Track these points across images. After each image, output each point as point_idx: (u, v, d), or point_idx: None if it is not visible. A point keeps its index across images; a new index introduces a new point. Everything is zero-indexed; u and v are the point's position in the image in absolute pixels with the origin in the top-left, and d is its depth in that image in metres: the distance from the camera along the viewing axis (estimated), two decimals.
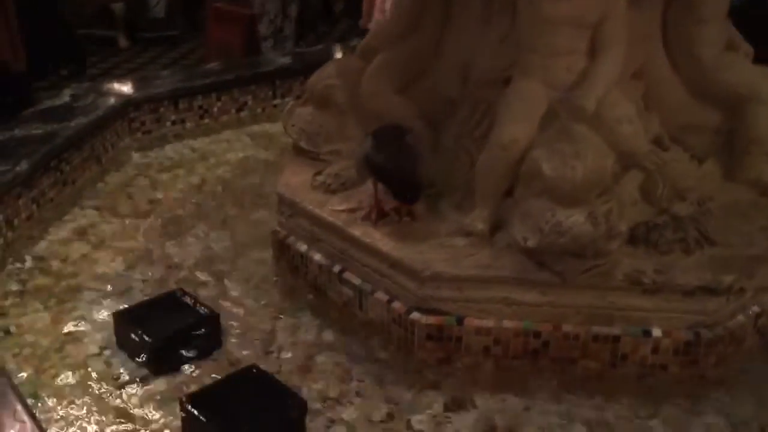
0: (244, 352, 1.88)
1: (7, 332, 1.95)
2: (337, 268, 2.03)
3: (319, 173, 2.20)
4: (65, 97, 3.05)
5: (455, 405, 1.72)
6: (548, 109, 1.89)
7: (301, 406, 1.63)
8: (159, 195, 2.70)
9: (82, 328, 1.97)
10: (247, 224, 2.48)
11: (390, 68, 2.20)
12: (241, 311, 2.03)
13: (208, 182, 2.80)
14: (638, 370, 1.79)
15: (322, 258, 2.07)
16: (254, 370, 1.73)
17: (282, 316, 2.02)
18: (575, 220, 1.72)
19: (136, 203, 2.64)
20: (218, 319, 1.94)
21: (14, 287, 2.15)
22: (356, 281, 1.97)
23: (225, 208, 2.60)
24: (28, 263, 2.26)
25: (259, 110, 3.39)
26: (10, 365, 1.81)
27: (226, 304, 2.06)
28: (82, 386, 1.76)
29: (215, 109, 3.30)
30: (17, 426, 1.33)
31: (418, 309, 1.84)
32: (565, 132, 1.82)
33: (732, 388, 1.78)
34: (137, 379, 1.78)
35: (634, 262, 1.80)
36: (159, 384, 1.77)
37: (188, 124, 3.23)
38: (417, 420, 1.68)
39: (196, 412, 1.59)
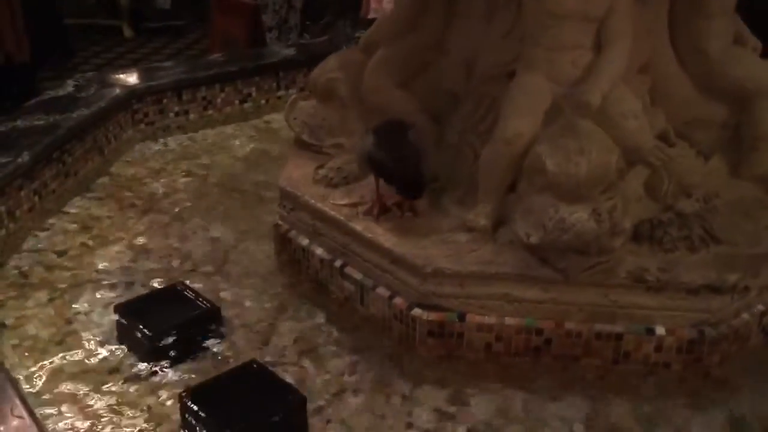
0: (245, 346, 1.87)
1: (7, 325, 1.95)
2: (338, 263, 2.02)
3: (321, 167, 2.18)
4: (68, 87, 3.03)
5: (456, 401, 1.71)
6: (552, 103, 1.87)
7: (301, 402, 1.62)
8: (161, 187, 2.69)
9: (82, 321, 1.96)
10: (249, 217, 2.47)
11: (392, 62, 2.18)
12: (242, 305, 2.02)
13: (211, 174, 2.79)
14: (641, 369, 1.78)
15: (323, 252, 2.06)
16: (254, 365, 1.72)
17: (283, 311, 2.01)
18: (579, 216, 1.71)
19: (138, 195, 2.63)
20: (219, 312, 1.93)
21: (15, 279, 2.14)
22: (357, 276, 1.96)
23: (227, 200, 2.59)
24: (29, 255, 2.25)
25: (263, 102, 3.38)
26: (10, 358, 1.81)
27: (227, 297, 2.05)
28: (82, 380, 1.76)
29: (219, 101, 3.28)
30: (15, 422, 1.32)
31: (420, 305, 1.83)
32: (569, 127, 1.80)
33: (736, 386, 1.76)
34: (137, 373, 1.78)
35: (638, 260, 1.79)
36: (159, 378, 1.76)
37: (191, 116, 3.21)
38: (418, 416, 1.66)
39: (195, 407, 1.58)
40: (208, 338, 1.87)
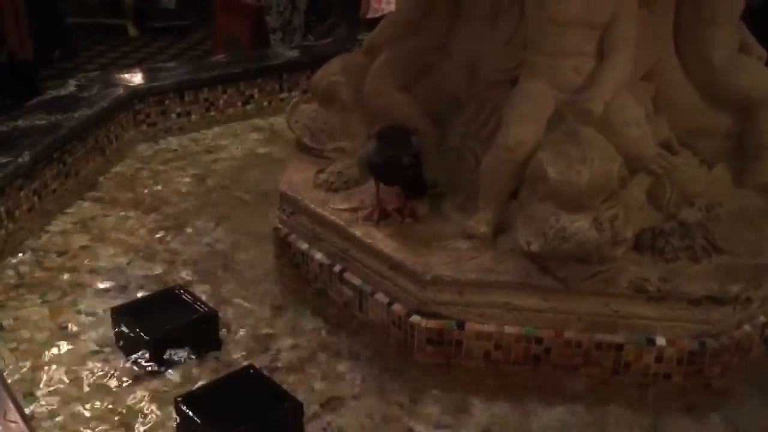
0: (242, 351, 1.85)
1: (4, 326, 1.94)
2: (337, 268, 2.01)
3: (321, 171, 2.17)
4: (70, 87, 3.03)
5: (454, 410, 1.69)
6: (555, 111, 1.85)
7: (297, 408, 1.61)
8: (162, 188, 2.69)
9: (79, 324, 1.95)
10: (249, 220, 2.46)
11: (395, 65, 2.17)
12: (240, 309, 2.01)
13: (212, 176, 2.78)
14: (641, 379, 1.77)
15: (322, 257, 2.05)
16: (251, 371, 1.71)
17: (281, 316, 1.99)
18: (580, 225, 1.69)
19: (138, 196, 2.63)
20: (216, 317, 1.92)
21: (13, 280, 2.13)
22: (356, 282, 1.95)
23: (228, 203, 2.58)
24: (28, 256, 2.25)
25: (265, 104, 3.37)
26: (6, 360, 1.80)
27: (225, 301, 2.04)
28: (77, 383, 1.75)
29: (221, 102, 3.28)
30: (8, 426, 1.31)
31: (419, 312, 1.81)
32: (571, 135, 1.79)
33: (737, 398, 1.75)
34: (133, 377, 1.77)
35: (639, 270, 1.77)
36: (155, 382, 1.75)
37: (193, 117, 3.21)
38: (415, 425, 1.65)
39: (190, 413, 1.57)
40: (205, 342, 1.85)
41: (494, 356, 1.80)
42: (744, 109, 2.05)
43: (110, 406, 1.68)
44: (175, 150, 3.01)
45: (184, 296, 1.96)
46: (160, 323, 1.84)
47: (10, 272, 2.17)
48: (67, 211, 2.51)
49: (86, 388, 1.73)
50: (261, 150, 3.01)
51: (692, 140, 2.05)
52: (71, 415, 1.66)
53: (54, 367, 1.80)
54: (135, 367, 1.79)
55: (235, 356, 1.84)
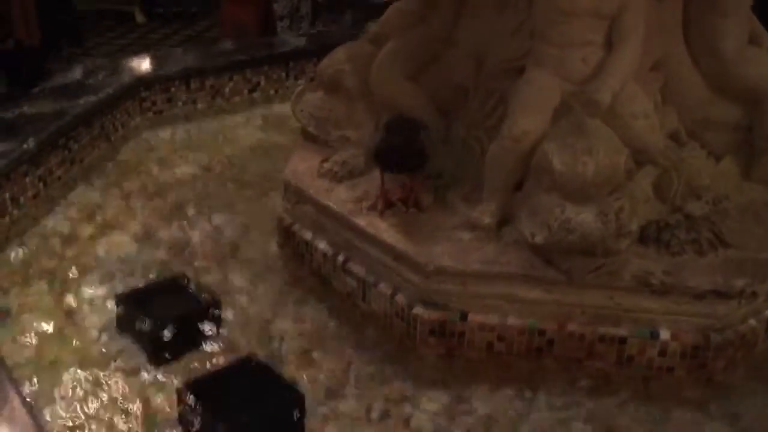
0: (244, 340, 1.86)
1: (10, 312, 1.94)
2: (341, 258, 2.00)
3: (326, 160, 2.16)
4: (76, 73, 3.03)
5: (456, 401, 1.69)
6: (561, 101, 1.84)
7: (298, 398, 1.61)
8: (167, 176, 2.69)
9: (83, 310, 1.96)
10: (254, 209, 2.45)
11: (401, 54, 2.16)
12: (243, 298, 2.01)
13: (218, 164, 2.78)
14: (644, 373, 1.76)
15: (326, 247, 2.05)
16: (253, 360, 1.71)
17: (284, 305, 1.99)
18: (584, 217, 1.68)
19: (143, 184, 2.63)
20: (220, 305, 1.92)
21: (17, 267, 2.14)
22: (360, 272, 1.95)
23: (233, 191, 2.58)
24: (33, 242, 2.25)
25: (271, 92, 3.36)
26: (10, 347, 1.81)
27: (229, 290, 2.04)
28: (81, 369, 1.75)
29: (227, 90, 3.27)
30: (12, 413, 1.31)
31: (422, 303, 1.81)
32: (577, 126, 1.78)
33: (740, 393, 1.74)
34: (137, 365, 1.77)
35: (644, 263, 1.76)
36: (158, 370, 1.76)
37: (199, 105, 3.20)
38: (417, 415, 1.65)
39: (192, 400, 1.57)
40: (208, 331, 1.86)
41: (497, 348, 1.79)
42: (753, 101, 2.03)
43: (113, 392, 1.69)
44: (181, 138, 3.00)
45: (188, 284, 1.97)
46: (165, 310, 1.85)
47: (16, 258, 2.17)
48: (72, 198, 2.51)
49: (88, 375, 1.73)
50: (267, 138, 3.00)
51: (700, 132, 2.04)
52: (74, 401, 1.66)
53: (57, 353, 1.80)
54: (138, 355, 1.79)
55: (237, 344, 1.84)
